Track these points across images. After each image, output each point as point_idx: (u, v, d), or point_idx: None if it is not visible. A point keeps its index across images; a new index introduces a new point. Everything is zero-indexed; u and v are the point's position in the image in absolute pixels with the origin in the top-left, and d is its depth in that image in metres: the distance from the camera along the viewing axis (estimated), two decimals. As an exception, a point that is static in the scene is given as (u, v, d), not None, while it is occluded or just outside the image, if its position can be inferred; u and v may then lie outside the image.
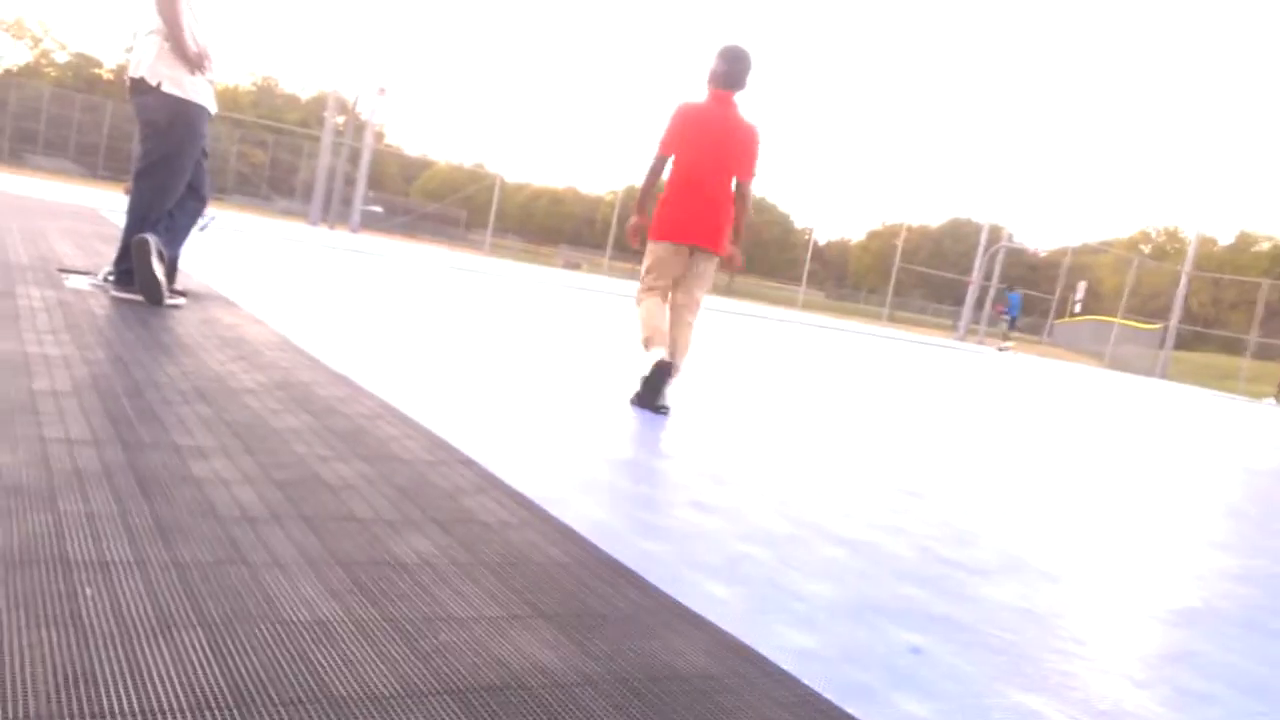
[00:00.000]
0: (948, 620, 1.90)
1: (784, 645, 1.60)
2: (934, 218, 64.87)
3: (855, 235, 65.75)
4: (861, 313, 42.00)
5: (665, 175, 4.02)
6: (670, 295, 4.07)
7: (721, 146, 3.94)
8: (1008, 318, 26.50)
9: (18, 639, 1.14)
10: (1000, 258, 30.82)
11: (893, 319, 31.26)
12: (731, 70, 3.95)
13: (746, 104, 4.03)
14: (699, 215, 3.94)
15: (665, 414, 3.80)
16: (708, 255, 4.02)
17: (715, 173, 3.94)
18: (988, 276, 30.79)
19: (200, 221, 4.64)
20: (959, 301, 32.18)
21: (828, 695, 1.43)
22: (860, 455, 3.78)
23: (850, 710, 1.39)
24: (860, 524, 2.59)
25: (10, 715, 0.98)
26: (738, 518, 2.41)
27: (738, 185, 4.02)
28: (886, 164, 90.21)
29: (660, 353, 3.83)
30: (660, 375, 3.80)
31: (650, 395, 3.82)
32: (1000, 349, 24.27)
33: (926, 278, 45.02)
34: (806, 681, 1.46)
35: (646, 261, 4.04)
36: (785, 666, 1.50)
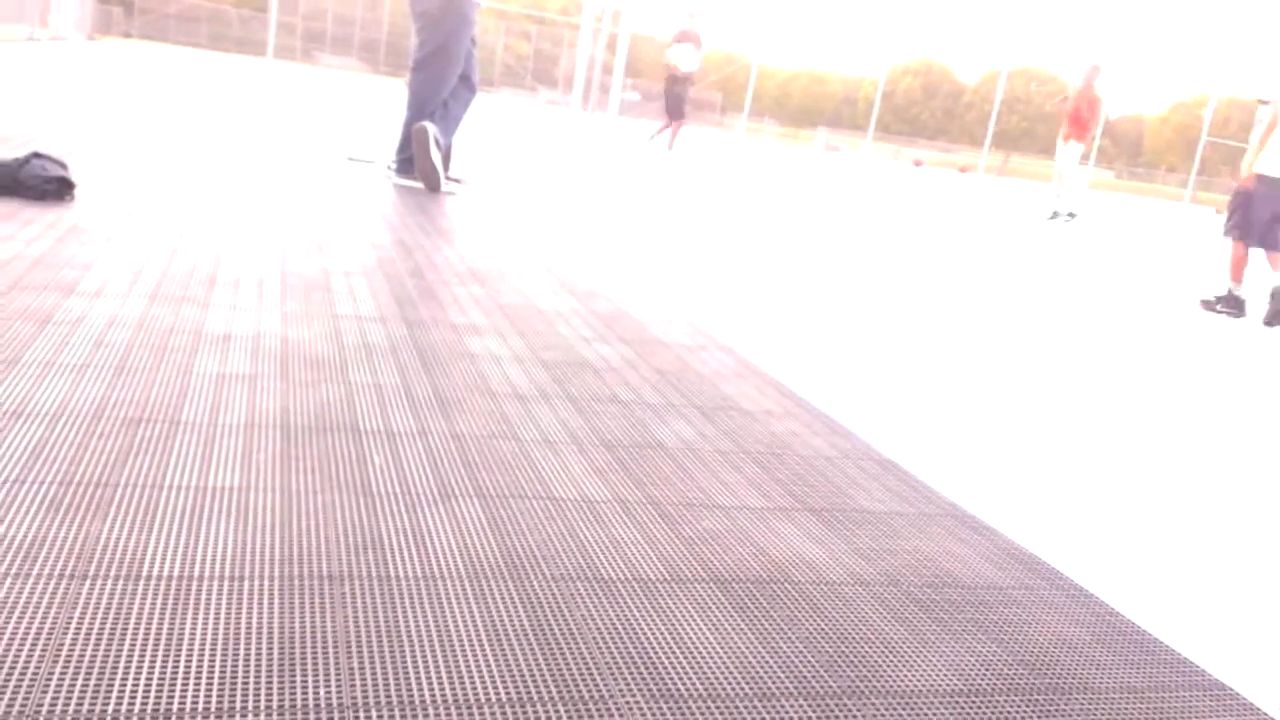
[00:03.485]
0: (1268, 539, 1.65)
1: (1079, 558, 1.44)
2: (1248, 87, 56.50)
3: (1150, 108, 58.41)
4: (1158, 193, 37.80)
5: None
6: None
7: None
8: None
9: (316, 500, 1.21)
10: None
11: (1196, 199, 27.75)
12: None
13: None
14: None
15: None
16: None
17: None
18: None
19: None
20: (1278, 180, 28.07)
21: (1130, 616, 1.27)
22: (1178, 348, 3.39)
23: (1154, 633, 1.23)
24: (1169, 428, 2.31)
25: (306, 573, 1.04)
26: (1023, 418, 2.22)
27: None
28: (1191, 28, 79.27)
29: None
30: None
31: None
32: None
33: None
34: (1104, 598, 1.31)
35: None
36: (1080, 582, 1.35)
